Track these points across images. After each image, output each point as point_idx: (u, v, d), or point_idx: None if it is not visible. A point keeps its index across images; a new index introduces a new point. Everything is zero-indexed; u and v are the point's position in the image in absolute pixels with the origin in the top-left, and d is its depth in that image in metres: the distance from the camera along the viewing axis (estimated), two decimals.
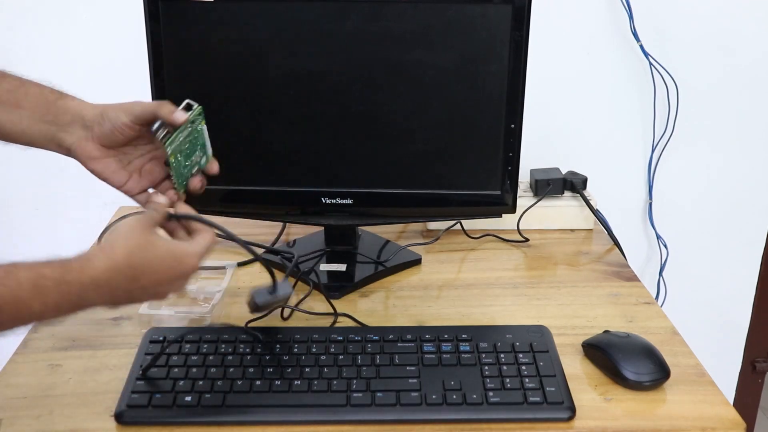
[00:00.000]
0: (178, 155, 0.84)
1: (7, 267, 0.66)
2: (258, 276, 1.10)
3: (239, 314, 0.98)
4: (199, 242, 0.77)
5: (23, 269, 0.67)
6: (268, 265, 0.86)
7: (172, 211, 0.81)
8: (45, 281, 0.67)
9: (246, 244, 0.83)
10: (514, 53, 0.98)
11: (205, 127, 0.87)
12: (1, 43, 1.33)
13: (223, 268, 1.09)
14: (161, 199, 0.82)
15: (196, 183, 0.87)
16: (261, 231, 1.21)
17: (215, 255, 1.12)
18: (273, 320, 0.98)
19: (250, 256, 1.11)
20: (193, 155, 0.86)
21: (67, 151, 0.84)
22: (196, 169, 0.87)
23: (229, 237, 0.83)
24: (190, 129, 0.84)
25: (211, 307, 0.98)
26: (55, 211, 1.42)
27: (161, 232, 0.78)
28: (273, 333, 0.90)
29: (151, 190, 0.86)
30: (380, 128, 1.03)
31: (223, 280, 1.06)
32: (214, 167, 0.88)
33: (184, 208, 0.82)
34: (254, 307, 0.87)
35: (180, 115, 0.83)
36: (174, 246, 0.75)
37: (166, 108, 0.83)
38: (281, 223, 1.23)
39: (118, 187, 0.85)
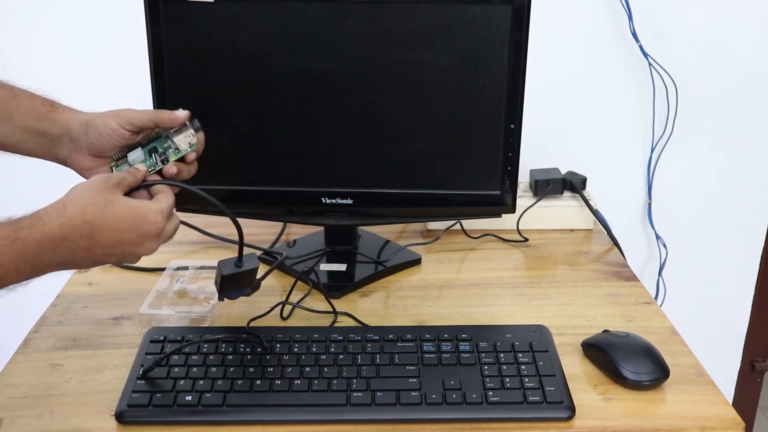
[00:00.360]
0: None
1: None
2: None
3: (239, 314, 0.98)
4: (161, 200, 0.77)
5: None
6: (240, 228, 0.84)
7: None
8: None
9: (207, 197, 0.82)
10: (513, 53, 0.98)
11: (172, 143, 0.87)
12: (1, 44, 1.33)
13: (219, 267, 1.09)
14: (142, 167, 0.82)
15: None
16: (261, 231, 1.21)
17: (214, 255, 1.13)
18: (273, 320, 0.98)
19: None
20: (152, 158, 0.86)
21: (63, 163, 0.86)
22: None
23: (194, 193, 0.82)
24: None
25: (211, 306, 0.98)
26: None
27: (123, 194, 0.76)
28: (273, 333, 0.90)
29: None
30: (380, 128, 1.03)
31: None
32: (170, 170, 0.85)
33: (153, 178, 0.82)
34: (221, 280, 0.85)
35: (181, 112, 0.85)
36: (135, 204, 0.74)
37: (165, 114, 0.85)
38: (281, 223, 1.23)
39: None
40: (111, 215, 0.72)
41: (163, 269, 1.08)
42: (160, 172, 0.85)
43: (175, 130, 0.86)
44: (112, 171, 0.84)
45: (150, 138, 0.86)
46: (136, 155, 0.85)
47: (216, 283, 0.89)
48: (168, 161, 0.85)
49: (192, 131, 0.86)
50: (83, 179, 0.84)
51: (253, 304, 1.01)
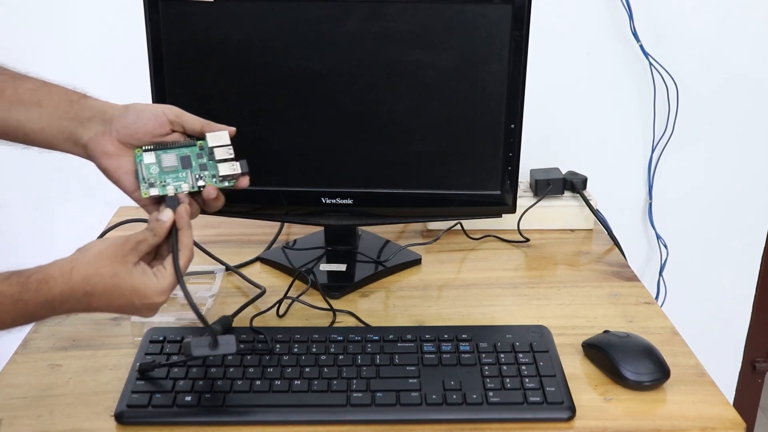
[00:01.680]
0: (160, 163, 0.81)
1: None
2: (256, 280, 1.10)
3: (238, 318, 0.98)
4: (164, 277, 0.75)
5: None
6: (205, 322, 0.79)
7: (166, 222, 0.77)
8: (2, 298, 0.68)
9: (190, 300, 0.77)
10: (514, 53, 0.98)
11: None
12: (1, 43, 1.33)
13: (212, 272, 1.09)
14: (165, 216, 0.77)
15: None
16: (261, 231, 1.21)
17: (204, 260, 1.13)
18: (273, 320, 0.98)
19: (238, 260, 1.12)
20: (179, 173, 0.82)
21: (84, 149, 0.82)
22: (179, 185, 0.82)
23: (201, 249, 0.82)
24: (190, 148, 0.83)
25: (204, 311, 0.98)
26: (55, 211, 1.42)
27: (135, 261, 0.74)
28: (273, 333, 0.90)
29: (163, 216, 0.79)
30: (380, 128, 1.03)
31: (213, 284, 1.05)
32: (210, 193, 0.83)
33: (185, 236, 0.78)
34: (187, 354, 0.80)
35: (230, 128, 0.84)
36: (138, 281, 0.73)
37: (216, 126, 0.83)
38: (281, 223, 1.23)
39: (129, 192, 0.82)
40: (112, 289, 0.72)
41: None
42: (195, 194, 0.82)
43: (219, 158, 0.82)
44: (137, 156, 0.80)
45: (181, 144, 0.82)
46: (170, 160, 0.81)
47: (181, 349, 0.85)
48: (203, 185, 0.82)
49: (238, 167, 0.82)
50: (102, 165, 0.81)
51: (252, 304, 1.01)
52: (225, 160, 0.82)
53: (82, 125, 0.81)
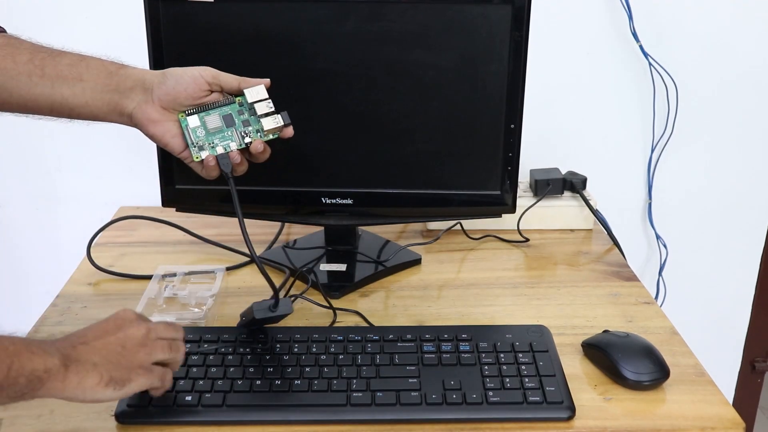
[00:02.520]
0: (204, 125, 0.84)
1: None
2: (248, 280, 1.10)
3: (233, 317, 0.98)
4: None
5: None
6: (272, 283, 0.87)
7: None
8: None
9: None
10: (514, 53, 0.98)
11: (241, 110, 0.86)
12: None
13: (213, 272, 1.09)
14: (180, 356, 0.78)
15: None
16: (261, 231, 1.21)
17: (204, 260, 1.13)
18: None
19: (238, 261, 1.12)
20: (223, 132, 0.85)
21: (129, 119, 0.84)
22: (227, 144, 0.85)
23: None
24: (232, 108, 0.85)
25: (204, 311, 0.98)
26: (55, 210, 1.42)
27: None
28: (273, 333, 0.90)
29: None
30: (380, 128, 1.03)
31: (213, 284, 1.05)
32: (258, 147, 0.86)
33: None
34: (250, 320, 0.88)
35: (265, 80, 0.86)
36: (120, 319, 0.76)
37: (252, 81, 0.86)
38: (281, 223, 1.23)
39: (178, 153, 0.85)
40: (88, 327, 0.74)
41: (150, 277, 1.07)
42: (242, 150, 0.85)
43: (261, 113, 0.85)
44: (182, 121, 0.84)
45: (221, 102, 0.85)
46: (214, 121, 0.84)
47: (243, 316, 0.91)
48: (250, 141, 0.85)
49: (281, 119, 0.85)
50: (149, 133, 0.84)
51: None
52: (267, 114, 0.86)
53: (125, 96, 0.83)
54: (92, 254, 1.13)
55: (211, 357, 0.86)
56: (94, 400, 0.69)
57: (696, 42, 1.36)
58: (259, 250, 1.16)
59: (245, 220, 1.15)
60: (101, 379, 0.69)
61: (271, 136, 0.86)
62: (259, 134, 0.86)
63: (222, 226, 1.20)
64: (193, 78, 0.84)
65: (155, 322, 0.78)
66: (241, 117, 0.86)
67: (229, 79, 0.86)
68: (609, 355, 0.86)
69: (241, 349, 0.87)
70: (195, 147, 0.84)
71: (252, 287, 1.07)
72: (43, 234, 1.43)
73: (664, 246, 1.50)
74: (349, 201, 1.06)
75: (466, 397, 0.80)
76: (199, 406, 0.79)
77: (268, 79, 0.87)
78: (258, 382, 0.82)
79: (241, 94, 0.85)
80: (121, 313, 0.77)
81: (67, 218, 1.42)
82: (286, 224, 1.25)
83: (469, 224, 1.24)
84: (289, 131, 0.87)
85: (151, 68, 1.01)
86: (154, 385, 0.75)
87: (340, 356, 0.86)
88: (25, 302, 1.43)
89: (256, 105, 0.85)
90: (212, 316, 0.98)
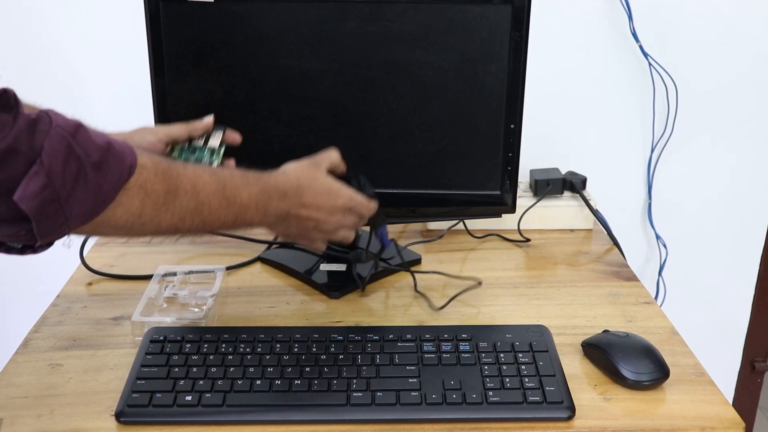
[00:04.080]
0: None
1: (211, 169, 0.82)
2: (248, 280, 1.10)
3: (233, 317, 0.98)
4: (347, 190, 0.91)
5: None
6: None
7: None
8: (250, 176, 0.83)
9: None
10: (513, 53, 0.98)
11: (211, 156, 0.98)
12: (1, 43, 1.33)
13: (212, 272, 1.09)
14: (334, 153, 0.93)
15: None
16: (261, 231, 1.21)
17: (204, 260, 1.13)
18: (273, 320, 0.98)
19: (238, 261, 1.12)
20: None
21: None
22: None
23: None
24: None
25: (205, 311, 0.98)
26: None
27: (325, 171, 0.91)
28: (273, 333, 0.90)
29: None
30: (380, 128, 1.03)
31: (213, 284, 1.05)
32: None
33: None
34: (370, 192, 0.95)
35: (208, 117, 0.98)
36: (330, 182, 0.89)
37: (197, 123, 0.97)
38: None
39: None
40: (316, 185, 0.87)
41: (150, 276, 1.07)
42: None
43: (203, 140, 0.97)
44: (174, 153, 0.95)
45: (180, 149, 0.97)
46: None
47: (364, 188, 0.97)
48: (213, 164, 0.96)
49: (217, 132, 0.97)
50: None
51: (252, 304, 1.01)
52: (207, 138, 0.99)
53: None
54: (92, 254, 1.13)
55: (211, 357, 0.86)
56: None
57: (696, 42, 1.36)
58: (259, 250, 1.17)
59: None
60: (283, 235, 0.91)
61: (221, 152, 0.97)
62: (214, 156, 0.97)
63: None
64: (151, 144, 0.93)
65: (357, 215, 0.91)
66: (194, 157, 0.97)
67: (178, 130, 0.96)
68: (609, 355, 0.86)
69: (241, 349, 0.87)
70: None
71: (252, 287, 1.07)
72: None
73: (664, 246, 1.50)
74: None
75: (466, 397, 0.80)
76: (199, 406, 0.80)
77: (212, 115, 0.98)
78: (258, 382, 0.82)
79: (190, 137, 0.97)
80: (346, 196, 0.90)
81: None
82: None
83: (469, 224, 1.24)
84: (231, 136, 0.99)
85: (151, 69, 1.01)
86: (301, 243, 0.93)
87: (340, 356, 0.86)
88: (25, 302, 1.43)
89: (200, 141, 0.97)
90: (212, 316, 0.98)
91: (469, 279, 1.06)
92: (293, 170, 0.87)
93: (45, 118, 0.65)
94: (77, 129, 0.67)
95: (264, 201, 0.82)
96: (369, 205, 0.93)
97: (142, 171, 0.70)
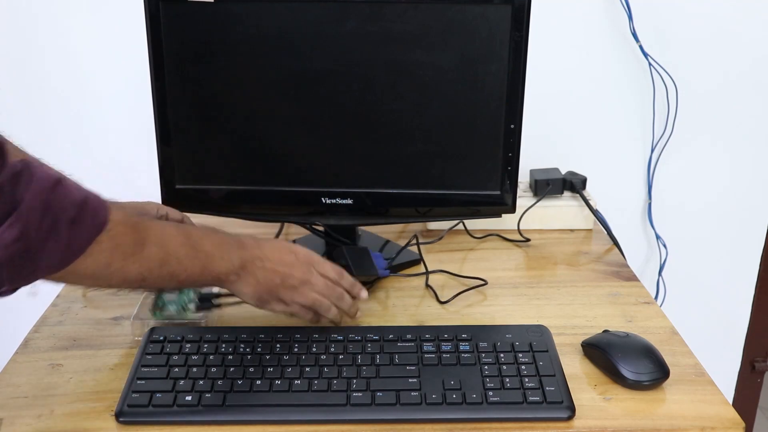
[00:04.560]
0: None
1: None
2: None
3: (233, 317, 0.98)
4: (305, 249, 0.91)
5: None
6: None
7: None
8: (209, 228, 0.85)
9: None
10: (514, 53, 0.98)
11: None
12: (1, 43, 1.33)
13: None
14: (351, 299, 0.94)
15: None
16: (261, 231, 1.21)
17: None
18: (273, 320, 0.98)
19: None
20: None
21: None
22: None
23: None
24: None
25: (203, 313, 0.98)
26: None
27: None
28: (273, 333, 0.90)
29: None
30: (380, 128, 1.03)
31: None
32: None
33: None
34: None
35: None
36: (287, 242, 0.91)
37: None
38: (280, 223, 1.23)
39: None
40: (272, 241, 0.91)
41: None
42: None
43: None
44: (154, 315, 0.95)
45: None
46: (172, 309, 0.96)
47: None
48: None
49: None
50: None
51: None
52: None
53: None
54: None
55: (211, 357, 0.86)
56: (241, 299, 0.88)
57: (696, 42, 1.36)
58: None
59: (245, 220, 1.15)
60: (254, 293, 0.87)
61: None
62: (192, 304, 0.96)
63: (222, 226, 1.19)
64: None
65: (321, 277, 0.89)
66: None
67: (173, 214, 1.01)
68: (609, 355, 0.86)
69: (241, 349, 0.87)
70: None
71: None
72: None
73: (664, 246, 1.50)
74: (349, 201, 1.06)
75: (466, 397, 0.80)
76: (199, 406, 0.80)
77: None
78: (258, 382, 0.82)
79: None
80: (304, 252, 0.90)
81: None
82: (286, 224, 1.25)
83: (468, 225, 1.24)
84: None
85: (151, 69, 1.01)
86: (286, 313, 0.90)
87: (340, 356, 0.86)
88: (25, 302, 1.43)
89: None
90: (212, 316, 0.98)
91: (474, 278, 1.07)
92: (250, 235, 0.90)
93: (27, 171, 0.68)
94: (57, 184, 0.70)
95: (225, 249, 0.83)
96: (334, 267, 0.92)
97: (114, 225, 0.73)
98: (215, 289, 1.00)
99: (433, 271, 1.10)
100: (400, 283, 1.08)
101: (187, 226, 0.85)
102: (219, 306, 0.97)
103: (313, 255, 0.91)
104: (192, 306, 0.95)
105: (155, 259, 0.76)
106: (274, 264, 0.87)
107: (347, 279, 0.93)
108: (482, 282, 1.06)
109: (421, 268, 1.12)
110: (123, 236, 0.74)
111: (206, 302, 0.96)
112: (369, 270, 0.99)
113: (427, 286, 1.07)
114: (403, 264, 1.13)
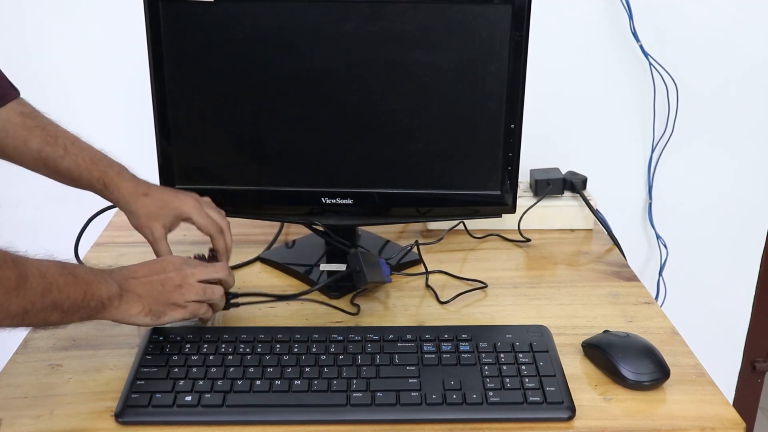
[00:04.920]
0: None
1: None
2: (248, 280, 1.10)
3: (232, 317, 0.98)
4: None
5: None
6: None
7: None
8: (75, 263, 0.83)
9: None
10: (514, 53, 0.98)
11: None
12: (2, 44, 1.33)
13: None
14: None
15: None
16: (261, 231, 1.21)
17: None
18: (273, 320, 0.98)
19: (238, 260, 1.12)
20: None
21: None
22: None
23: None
24: None
25: (220, 312, 0.97)
26: (55, 210, 1.42)
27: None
28: (273, 333, 0.90)
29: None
30: (380, 128, 1.03)
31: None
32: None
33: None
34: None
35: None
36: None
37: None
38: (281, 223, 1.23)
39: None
40: (132, 264, 0.89)
41: None
42: None
43: None
44: None
45: None
46: None
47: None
48: None
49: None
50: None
51: (252, 304, 1.01)
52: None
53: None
54: (92, 254, 1.13)
55: (211, 357, 0.86)
56: (136, 324, 0.85)
57: (696, 42, 1.36)
58: (259, 250, 1.17)
59: (244, 220, 1.16)
60: (143, 309, 0.84)
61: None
62: None
63: None
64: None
65: (198, 268, 0.90)
66: None
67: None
68: (609, 355, 0.86)
69: (241, 349, 0.87)
70: None
71: (252, 287, 1.06)
72: (43, 234, 1.43)
73: (665, 246, 1.50)
74: (349, 201, 1.06)
75: (466, 397, 0.80)
76: (199, 406, 0.79)
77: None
78: (258, 382, 0.82)
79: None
80: (169, 257, 0.92)
81: (67, 218, 1.42)
82: (286, 224, 1.24)
83: (468, 225, 1.23)
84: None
85: (150, 69, 1.01)
86: (186, 317, 0.88)
87: (340, 356, 0.86)
88: None
89: None
90: (221, 318, 0.98)
91: (474, 281, 1.07)
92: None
93: None
94: None
95: (101, 275, 0.82)
96: (195, 260, 0.94)
97: None
98: (233, 289, 1.01)
99: (433, 272, 1.10)
100: (400, 284, 1.08)
101: (58, 259, 0.80)
102: (237, 305, 0.97)
103: (174, 255, 0.93)
104: None
105: (38, 291, 0.74)
106: (147, 275, 0.86)
107: (223, 273, 0.93)
108: (482, 285, 1.06)
109: (421, 269, 1.12)
110: (5, 270, 0.72)
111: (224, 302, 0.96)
112: (380, 276, 1.00)
113: (427, 286, 1.07)
114: (403, 264, 1.13)
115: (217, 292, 0.91)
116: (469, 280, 1.08)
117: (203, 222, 0.99)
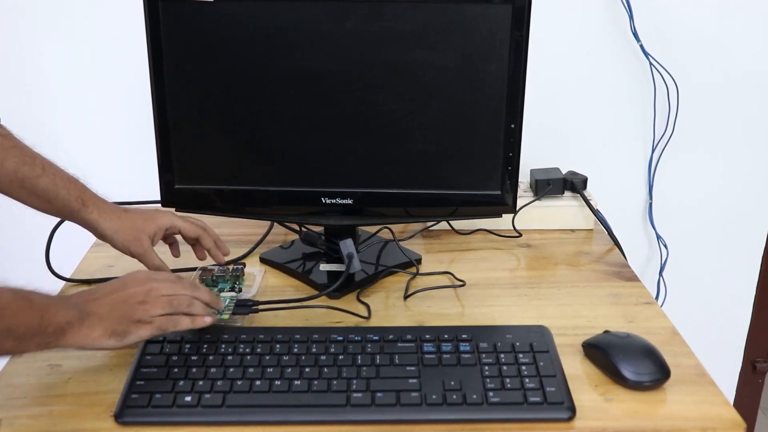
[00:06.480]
0: None
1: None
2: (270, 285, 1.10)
3: (253, 320, 0.98)
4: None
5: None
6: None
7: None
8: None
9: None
10: (514, 53, 0.98)
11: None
12: (2, 44, 1.33)
13: (252, 274, 1.09)
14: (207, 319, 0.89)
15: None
16: (261, 231, 1.21)
17: (209, 260, 1.12)
18: (273, 320, 0.98)
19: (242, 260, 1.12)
20: None
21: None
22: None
23: None
24: None
25: (239, 317, 0.97)
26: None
27: None
28: (273, 333, 0.90)
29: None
30: (380, 128, 1.03)
31: (253, 286, 1.05)
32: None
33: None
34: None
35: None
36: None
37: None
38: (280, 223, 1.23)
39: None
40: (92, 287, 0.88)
41: None
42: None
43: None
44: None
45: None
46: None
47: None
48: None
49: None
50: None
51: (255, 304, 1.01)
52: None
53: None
54: (91, 254, 1.13)
55: (210, 357, 0.85)
56: (100, 348, 0.81)
57: (697, 42, 1.36)
58: (259, 251, 1.16)
59: (244, 220, 1.16)
60: (105, 331, 0.80)
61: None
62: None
63: (222, 226, 1.20)
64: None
65: (161, 281, 0.86)
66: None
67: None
68: (609, 355, 0.86)
69: (241, 350, 0.87)
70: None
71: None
72: (43, 234, 1.43)
73: (665, 246, 1.50)
74: (349, 201, 1.05)
75: (467, 397, 0.80)
76: (199, 406, 0.79)
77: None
78: (258, 382, 0.82)
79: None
80: (132, 273, 0.88)
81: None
82: (283, 224, 1.24)
83: (469, 224, 1.23)
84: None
85: (150, 69, 1.01)
86: (154, 334, 0.84)
87: (340, 356, 0.86)
88: None
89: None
90: (242, 317, 0.98)
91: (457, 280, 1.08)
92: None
93: None
94: None
95: (58, 300, 0.80)
96: (163, 272, 0.94)
97: None
98: (251, 293, 1.01)
99: (434, 272, 1.10)
100: (400, 284, 1.08)
101: (12, 286, 0.76)
102: (257, 311, 0.97)
103: (138, 270, 0.89)
104: (228, 312, 0.95)
105: None
106: (108, 294, 0.83)
107: (188, 288, 0.89)
108: (461, 283, 1.07)
109: (421, 269, 1.12)
110: None
111: (243, 307, 0.96)
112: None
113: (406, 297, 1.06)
114: (402, 264, 1.12)
115: (184, 301, 0.86)
116: (460, 280, 1.08)
117: (187, 225, 1.01)
